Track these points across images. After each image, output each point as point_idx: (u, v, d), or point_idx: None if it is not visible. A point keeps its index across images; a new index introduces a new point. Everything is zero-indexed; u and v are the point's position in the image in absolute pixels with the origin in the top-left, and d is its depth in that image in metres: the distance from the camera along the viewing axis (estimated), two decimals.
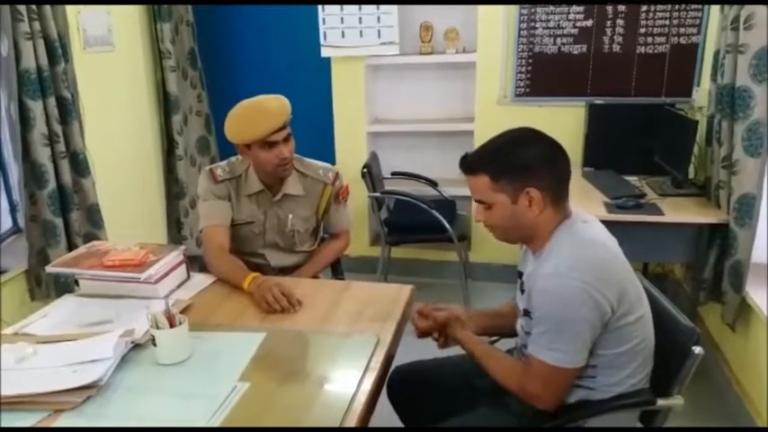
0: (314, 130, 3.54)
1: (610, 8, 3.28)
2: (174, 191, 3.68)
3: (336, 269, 2.40)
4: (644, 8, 3.24)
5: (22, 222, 2.59)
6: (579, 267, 1.32)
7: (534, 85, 3.47)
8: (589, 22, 3.32)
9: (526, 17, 3.37)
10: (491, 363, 1.51)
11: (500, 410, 1.51)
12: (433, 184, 3.63)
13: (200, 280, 1.95)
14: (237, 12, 3.90)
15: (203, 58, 3.77)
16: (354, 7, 3.47)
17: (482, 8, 3.38)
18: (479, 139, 1.50)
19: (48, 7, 2.50)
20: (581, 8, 3.30)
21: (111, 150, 3.14)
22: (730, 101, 2.38)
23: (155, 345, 1.44)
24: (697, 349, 1.38)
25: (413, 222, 3.38)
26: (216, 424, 1.24)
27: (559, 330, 1.33)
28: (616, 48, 3.33)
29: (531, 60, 3.44)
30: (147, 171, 3.55)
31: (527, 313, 1.44)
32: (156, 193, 3.65)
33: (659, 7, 3.22)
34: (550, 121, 3.27)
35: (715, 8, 2.95)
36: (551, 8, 3.33)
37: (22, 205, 2.56)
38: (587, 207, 2.59)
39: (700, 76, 3.22)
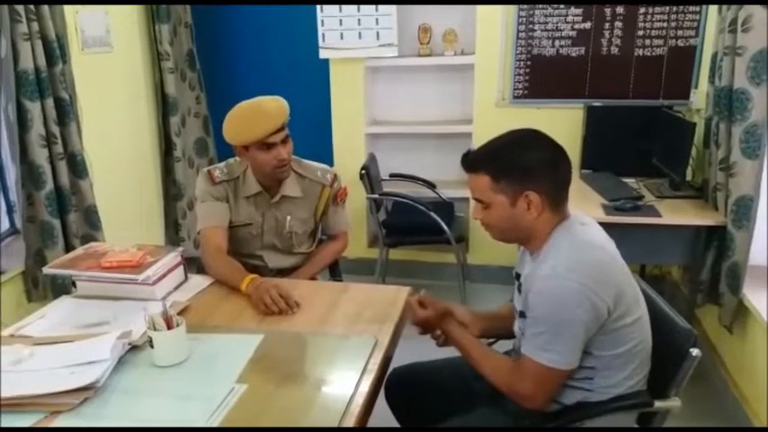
0: (312, 131, 3.55)
1: (608, 10, 3.28)
2: (171, 192, 3.68)
3: (334, 271, 2.40)
4: (642, 10, 3.25)
5: (19, 223, 2.59)
6: (577, 269, 1.32)
7: (532, 88, 3.47)
8: (587, 25, 3.32)
9: (524, 19, 3.38)
10: (483, 361, 1.51)
11: (497, 412, 1.51)
12: (431, 185, 3.63)
13: (198, 281, 1.94)
14: (236, 13, 3.91)
15: (202, 59, 3.77)
16: (353, 9, 3.47)
17: (480, 10, 3.38)
18: (477, 141, 1.50)
19: (46, 8, 2.50)
20: (579, 10, 3.31)
21: (108, 152, 3.13)
22: (728, 103, 2.39)
23: (152, 346, 1.44)
24: (694, 351, 1.39)
25: (411, 224, 3.38)
26: (214, 425, 1.23)
27: (555, 332, 1.33)
28: (614, 50, 3.33)
29: (529, 62, 3.44)
30: (144, 172, 3.55)
31: (523, 315, 1.44)
32: (154, 195, 3.64)
33: (657, 10, 3.23)
34: (548, 124, 3.27)
35: (713, 11, 2.96)
36: (550, 10, 3.34)
37: (20, 206, 2.56)
38: (585, 209, 2.59)
39: (697, 78, 3.22)
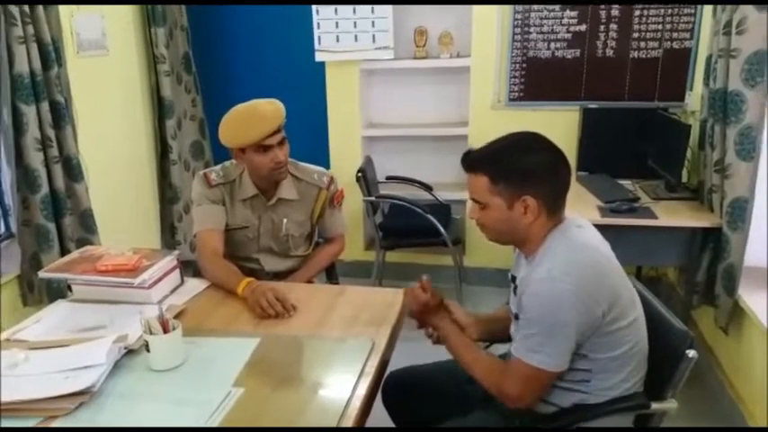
0: (308, 134, 3.54)
1: (603, 13, 3.30)
2: (167, 195, 3.67)
3: (331, 274, 2.39)
4: (637, 13, 3.26)
5: (14, 227, 2.58)
6: (572, 272, 1.32)
7: (528, 90, 3.48)
8: (583, 27, 3.33)
9: (520, 21, 3.38)
10: (472, 360, 1.50)
11: (493, 415, 1.51)
12: (427, 188, 3.64)
13: (194, 285, 1.94)
14: (232, 16, 3.91)
15: (198, 62, 3.76)
16: (349, 11, 3.47)
17: (476, 13, 3.39)
18: (474, 144, 1.50)
19: (41, 11, 2.50)
20: (574, 13, 3.32)
21: (104, 155, 3.12)
22: (723, 105, 2.40)
23: (148, 350, 1.44)
24: (691, 353, 1.39)
25: (407, 226, 3.38)
26: None
27: (548, 334, 1.33)
28: (609, 52, 3.34)
29: (524, 65, 3.45)
30: (140, 176, 3.54)
31: (518, 317, 1.44)
32: (150, 198, 3.64)
33: (652, 12, 3.24)
34: (544, 126, 3.25)
35: (707, 13, 2.97)
36: (545, 13, 3.35)
37: (15, 210, 2.55)
38: (581, 211, 2.60)
39: (692, 80, 3.24)
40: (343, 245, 2.31)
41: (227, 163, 2.13)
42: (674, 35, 3.25)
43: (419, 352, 1.74)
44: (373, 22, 3.47)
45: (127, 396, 1.35)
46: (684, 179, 2.91)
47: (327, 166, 3.48)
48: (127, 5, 3.33)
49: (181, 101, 3.66)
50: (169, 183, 3.63)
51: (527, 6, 3.35)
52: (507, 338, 1.59)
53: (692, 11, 3.20)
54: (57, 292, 2.49)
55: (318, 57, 3.57)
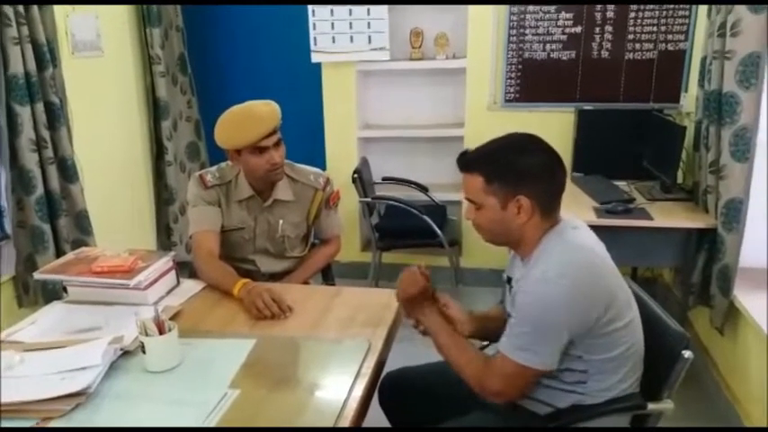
0: (304, 135, 3.55)
1: (598, 14, 3.31)
2: (163, 197, 3.66)
3: (327, 275, 2.39)
4: (632, 15, 3.27)
5: (9, 229, 2.57)
6: (567, 274, 1.32)
7: (524, 91, 3.49)
8: (578, 29, 3.34)
9: (515, 23, 3.39)
10: (454, 351, 1.50)
11: (490, 415, 1.51)
12: (423, 189, 3.64)
13: (190, 286, 1.94)
14: (227, 17, 3.90)
15: (193, 63, 3.76)
16: (345, 12, 3.47)
17: (472, 14, 3.40)
18: (470, 145, 1.50)
19: (36, 12, 2.49)
20: (570, 14, 3.33)
21: (99, 156, 3.12)
22: (717, 106, 2.41)
23: (144, 352, 1.43)
24: (687, 353, 1.39)
25: (404, 227, 3.38)
26: None
27: (539, 334, 1.33)
28: (605, 54, 3.35)
29: (520, 66, 3.46)
30: (136, 177, 3.53)
31: (510, 315, 1.44)
32: (146, 199, 3.63)
33: (647, 14, 3.26)
34: (540, 127, 3.25)
35: (702, 15, 2.98)
36: (540, 14, 3.36)
37: (10, 211, 2.54)
38: (577, 212, 2.60)
39: (687, 81, 3.25)
40: (339, 246, 2.31)
41: (222, 164, 2.13)
42: (669, 37, 3.26)
43: (416, 353, 1.74)
44: (369, 24, 3.48)
45: (123, 397, 1.35)
46: (679, 180, 2.92)
47: (323, 168, 3.47)
48: (122, 6, 3.33)
49: (176, 102, 3.65)
50: (165, 184, 3.63)
51: (522, 8, 3.36)
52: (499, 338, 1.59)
53: (687, 13, 3.21)
54: (52, 293, 2.48)
55: (314, 58, 3.57)
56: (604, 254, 1.43)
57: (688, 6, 3.20)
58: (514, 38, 3.42)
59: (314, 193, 2.17)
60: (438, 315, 1.59)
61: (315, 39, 3.53)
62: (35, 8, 2.49)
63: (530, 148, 1.43)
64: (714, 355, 2.68)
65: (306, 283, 2.18)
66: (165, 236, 3.71)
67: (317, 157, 3.57)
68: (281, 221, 2.12)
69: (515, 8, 3.37)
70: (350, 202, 3.40)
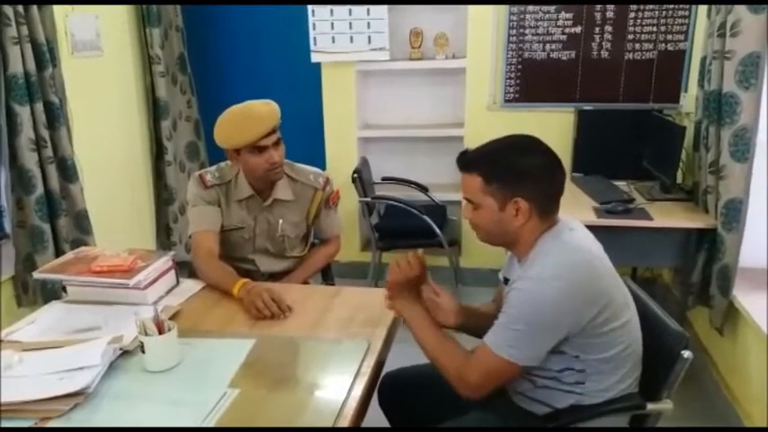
0: (304, 135, 3.54)
1: (598, 14, 3.31)
2: (163, 196, 3.66)
3: (327, 275, 2.39)
4: (632, 15, 3.27)
5: (9, 228, 2.57)
6: (563, 275, 1.32)
7: (524, 91, 3.49)
8: (578, 29, 3.34)
9: (515, 23, 3.39)
10: (433, 340, 1.48)
11: (490, 415, 1.51)
12: (423, 189, 3.64)
13: (190, 286, 1.94)
14: (227, 17, 3.90)
15: (193, 63, 3.76)
16: (345, 12, 3.47)
17: (471, 14, 3.40)
18: (469, 145, 1.50)
19: (35, 12, 2.49)
20: (569, 14, 3.33)
21: (99, 155, 3.12)
22: (717, 107, 2.41)
23: (143, 351, 1.43)
24: (686, 353, 1.39)
25: (403, 227, 3.38)
26: None
27: (531, 332, 1.32)
28: (604, 54, 3.35)
29: (520, 66, 3.46)
30: (135, 176, 3.53)
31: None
32: (145, 199, 3.63)
33: (647, 14, 3.26)
34: (540, 127, 3.27)
35: (702, 15, 2.98)
36: (540, 14, 3.35)
37: (9, 211, 2.54)
38: (577, 212, 2.61)
39: (687, 82, 3.25)
40: (338, 246, 2.31)
41: (222, 164, 2.13)
42: (669, 37, 3.26)
43: (415, 353, 1.72)
44: (369, 24, 3.48)
45: (122, 397, 1.35)
46: (679, 180, 2.92)
47: (323, 167, 3.47)
48: (121, 6, 3.33)
49: (176, 102, 3.65)
50: (164, 184, 3.62)
51: (522, 8, 3.36)
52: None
53: (687, 13, 3.21)
54: (51, 293, 2.48)
55: (314, 58, 3.57)
56: (601, 254, 1.43)
57: (688, 6, 3.20)
58: (514, 38, 3.42)
59: (314, 193, 2.16)
60: (420, 306, 1.57)
61: (314, 39, 3.53)
62: (34, 8, 2.49)
63: (530, 149, 1.43)
64: (714, 355, 2.68)
65: (305, 282, 2.18)
66: (165, 235, 3.70)
67: (316, 157, 3.57)
68: (280, 221, 2.12)
69: (515, 8, 3.37)
70: (350, 201, 3.40)
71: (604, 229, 2.40)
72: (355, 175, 3.28)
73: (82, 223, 2.80)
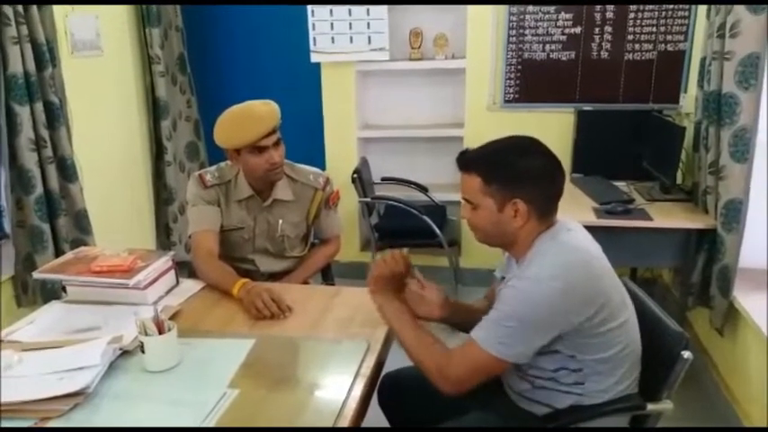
0: (304, 135, 3.54)
1: (598, 15, 3.31)
2: (162, 196, 3.66)
3: (327, 275, 2.39)
4: (631, 15, 3.27)
5: (8, 228, 2.57)
6: (560, 276, 1.31)
7: (523, 92, 3.49)
8: (577, 29, 3.34)
9: (515, 23, 3.39)
10: (412, 335, 1.48)
11: (490, 415, 1.51)
12: (423, 189, 3.64)
13: (190, 286, 1.93)
14: (227, 17, 3.90)
15: (192, 63, 3.76)
16: (344, 13, 3.47)
17: (471, 14, 3.40)
18: (469, 145, 1.50)
19: (35, 11, 2.49)
20: (569, 15, 3.33)
21: (99, 155, 3.11)
22: (717, 107, 2.41)
23: (143, 351, 1.43)
24: (686, 354, 1.39)
25: (403, 228, 3.38)
26: None
27: (524, 330, 1.32)
28: (604, 54, 3.35)
29: (520, 67, 3.46)
30: (135, 176, 3.53)
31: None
32: (145, 199, 3.62)
33: (646, 14, 3.26)
34: (539, 128, 3.28)
35: (701, 15, 2.98)
36: (540, 15, 3.36)
37: (9, 211, 2.54)
38: (576, 213, 2.61)
39: (687, 82, 3.25)
40: (338, 246, 2.31)
41: (222, 164, 2.13)
42: (669, 37, 3.26)
43: None
44: (369, 24, 3.48)
45: (122, 397, 1.35)
46: (679, 181, 2.92)
47: (323, 168, 3.47)
48: (121, 6, 3.33)
49: (176, 102, 3.65)
50: (164, 183, 3.62)
51: (522, 8, 3.36)
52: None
53: (686, 13, 3.21)
54: (51, 293, 2.47)
55: (314, 58, 3.57)
56: (600, 255, 1.43)
57: (687, 7, 3.20)
58: (514, 38, 3.42)
59: (313, 193, 2.16)
60: (401, 302, 1.57)
61: (314, 39, 3.53)
62: (34, 7, 2.49)
63: (530, 151, 1.42)
64: (713, 355, 2.68)
65: (305, 282, 2.18)
66: (165, 235, 3.70)
67: (316, 158, 3.57)
68: (280, 221, 2.12)
69: (515, 8, 3.37)
70: (349, 202, 3.40)
71: (604, 229, 2.41)
72: (355, 176, 3.28)
73: (81, 223, 2.80)
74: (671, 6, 3.22)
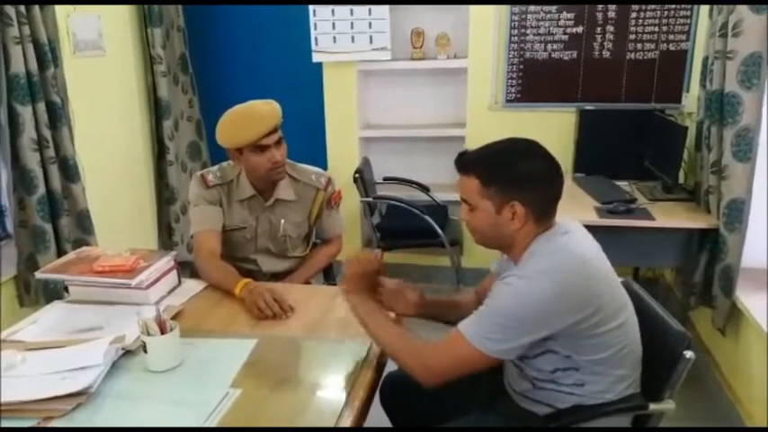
0: (306, 135, 3.54)
1: (600, 14, 3.30)
2: (164, 196, 3.66)
3: (329, 275, 2.39)
4: (633, 15, 3.27)
5: (11, 228, 2.57)
6: (552, 277, 1.31)
7: (525, 91, 3.48)
8: (579, 29, 3.34)
9: (517, 23, 3.39)
10: (388, 331, 1.48)
11: (492, 416, 1.51)
12: (425, 189, 3.64)
13: (192, 286, 1.94)
14: (229, 17, 3.90)
15: (194, 63, 3.76)
16: (346, 12, 3.48)
17: (473, 14, 3.40)
18: (471, 145, 1.50)
19: (37, 11, 2.49)
20: (571, 14, 3.33)
21: (101, 155, 3.12)
22: (719, 107, 2.41)
23: (145, 351, 1.43)
24: (688, 354, 1.39)
25: (405, 227, 3.38)
26: None
27: (512, 327, 1.31)
28: (606, 54, 3.35)
29: (521, 66, 3.45)
30: (137, 176, 3.54)
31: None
32: (147, 199, 3.63)
33: (649, 14, 3.25)
34: (541, 127, 3.29)
35: (704, 15, 2.98)
36: (542, 14, 3.35)
37: (11, 211, 2.54)
38: (578, 212, 2.61)
39: (689, 82, 3.25)
40: (340, 246, 2.31)
41: (224, 164, 2.13)
42: (671, 37, 3.26)
43: None
44: (370, 24, 3.48)
45: (124, 397, 1.35)
46: (681, 180, 2.92)
47: (325, 167, 3.48)
48: (123, 6, 3.33)
49: (178, 101, 3.65)
50: (166, 183, 3.63)
51: (523, 8, 3.36)
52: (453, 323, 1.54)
53: (689, 13, 3.21)
54: (53, 293, 2.48)
55: (315, 57, 3.57)
56: (598, 256, 1.42)
57: (689, 6, 3.20)
58: (516, 38, 3.41)
59: (315, 193, 2.17)
60: (374, 302, 1.58)
61: (316, 39, 3.53)
62: (36, 8, 2.49)
63: (529, 153, 1.42)
64: (716, 355, 2.68)
65: (307, 282, 2.19)
66: (167, 235, 3.71)
67: (318, 157, 3.57)
68: (282, 221, 2.12)
69: (516, 8, 3.37)
70: (351, 201, 3.40)
71: (606, 229, 2.41)
72: (357, 175, 3.28)
73: (84, 223, 2.80)
74: (673, 6, 3.21)
